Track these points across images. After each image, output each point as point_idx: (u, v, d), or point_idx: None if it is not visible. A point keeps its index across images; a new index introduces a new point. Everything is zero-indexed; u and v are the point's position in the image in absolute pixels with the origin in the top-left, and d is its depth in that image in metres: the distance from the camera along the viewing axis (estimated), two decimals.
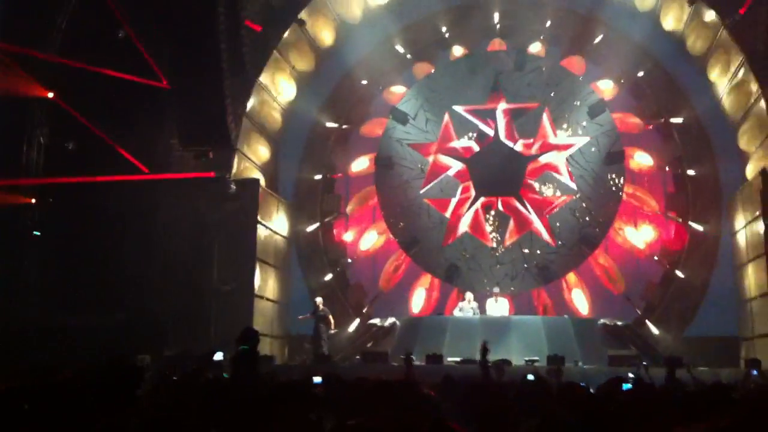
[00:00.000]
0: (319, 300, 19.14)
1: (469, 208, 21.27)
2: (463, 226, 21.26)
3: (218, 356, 14.05)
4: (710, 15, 19.21)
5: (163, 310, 18.40)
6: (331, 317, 18.83)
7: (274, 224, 20.75)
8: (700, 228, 21.14)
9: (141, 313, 18.36)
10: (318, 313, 18.67)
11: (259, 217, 19.48)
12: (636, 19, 21.50)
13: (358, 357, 18.12)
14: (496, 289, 19.66)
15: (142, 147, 19.41)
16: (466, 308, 18.99)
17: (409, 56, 23.30)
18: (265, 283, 19.97)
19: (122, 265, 18.89)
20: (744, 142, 19.76)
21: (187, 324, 18.40)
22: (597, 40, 22.47)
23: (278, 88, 21.20)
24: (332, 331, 19.01)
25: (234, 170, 19.49)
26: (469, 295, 19.35)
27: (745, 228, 19.33)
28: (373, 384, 6.88)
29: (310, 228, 22.55)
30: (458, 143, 21.62)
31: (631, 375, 11.65)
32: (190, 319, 18.48)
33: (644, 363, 14.16)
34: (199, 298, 18.70)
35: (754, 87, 18.58)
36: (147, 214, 19.18)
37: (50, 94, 19.24)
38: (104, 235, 18.89)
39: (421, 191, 21.51)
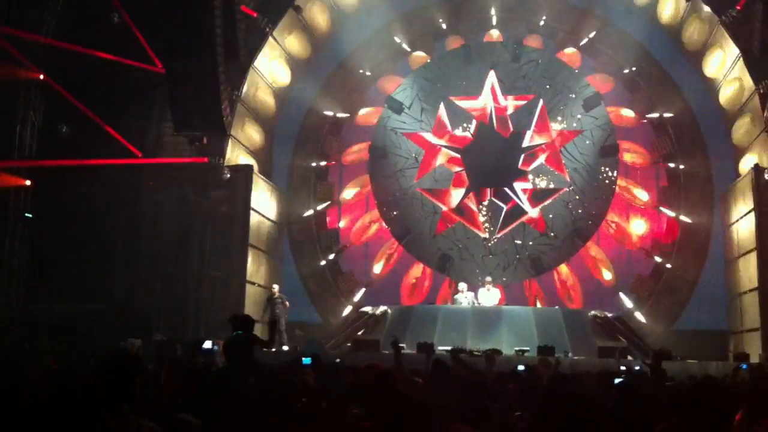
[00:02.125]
0: (276, 287, 19.08)
1: (463, 198, 21.29)
2: (456, 216, 21.29)
3: (207, 344, 14.12)
4: (706, 10, 19.24)
5: (153, 294, 18.40)
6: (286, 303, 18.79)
7: (267, 211, 20.75)
8: (691, 222, 21.23)
9: (130, 297, 18.36)
10: (274, 300, 18.56)
11: (251, 204, 19.47)
12: (632, 14, 21.51)
13: (348, 344, 18.14)
14: (489, 278, 19.71)
15: (135, 131, 19.41)
16: (460, 298, 19.07)
17: (405, 46, 23.26)
18: (257, 269, 19.98)
19: (112, 249, 18.90)
20: (738, 138, 19.84)
21: (177, 309, 18.43)
22: (593, 33, 22.49)
23: (273, 75, 21.15)
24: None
25: (227, 156, 19.46)
26: (462, 286, 19.42)
27: (736, 223, 19.42)
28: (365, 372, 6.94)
29: (303, 215, 22.56)
30: (453, 133, 21.61)
31: (632, 367, 11.65)
32: (180, 304, 18.50)
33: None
34: (190, 284, 18.72)
35: (749, 83, 18.63)
36: (138, 199, 19.18)
37: (41, 76, 19.15)
38: (95, 218, 18.85)
39: (415, 181, 21.52)
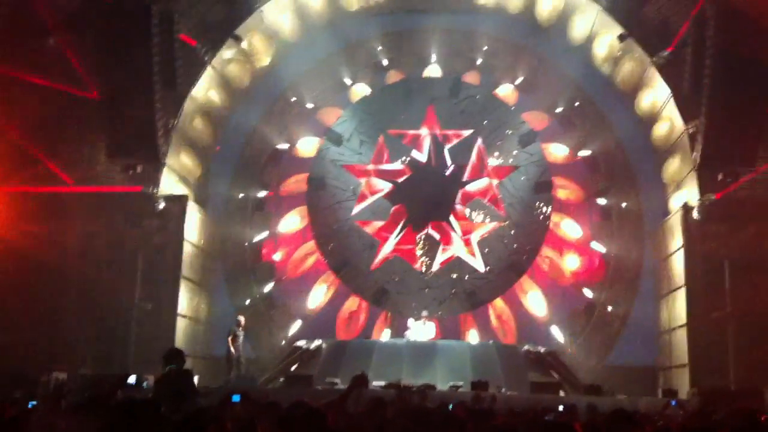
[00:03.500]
0: (241, 319, 18.73)
1: (400, 231, 21.32)
2: (393, 249, 21.28)
3: (131, 379, 13.76)
4: (639, 51, 19.76)
5: (81, 326, 17.85)
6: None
7: (201, 241, 20.40)
8: (623, 258, 21.59)
9: (58, 328, 17.79)
10: (238, 333, 18.24)
11: (185, 234, 19.13)
12: (568, 52, 21.95)
13: (282, 380, 17.86)
14: (425, 313, 19.72)
15: (68, 158, 18.94)
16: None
17: (345, 78, 23.31)
18: (190, 301, 19.58)
19: (40, 278, 18.30)
20: (668, 176, 20.33)
21: (105, 342, 17.92)
22: (530, 71, 22.89)
23: (212, 104, 20.93)
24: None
25: (162, 185, 19.12)
26: (411, 322, 19.41)
27: (666, 259, 19.82)
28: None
29: (239, 247, 22.24)
30: (391, 167, 21.70)
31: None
32: (109, 337, 18.00)
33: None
34: (120, 316, 18.23)
35: (679, 123, 19.14)
36: (69, 228, 18.63)
37: None
38: (23, 247, 18.28)
39: (353, 213, 21.49)
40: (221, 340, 19.53)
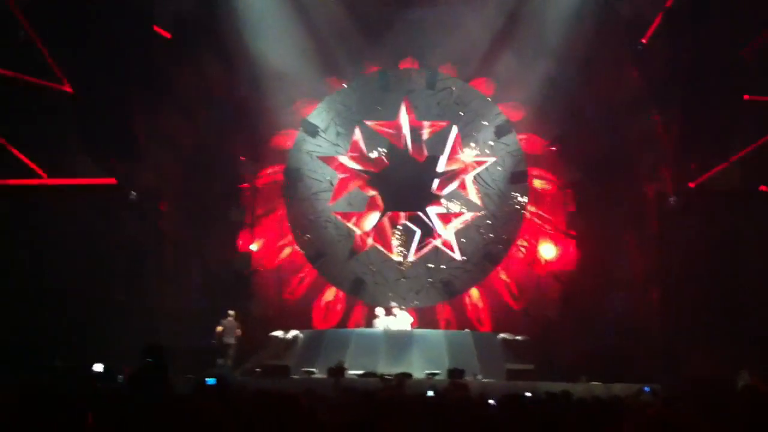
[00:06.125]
0: (231, 313, 18.67)
1: (377, 222, 21.40)
2: (370, 239, 21.38)
3: (98, 367, 13.71)
4: (613, 43, 19.91)
5: (57, 320, 17.72)
6: (238, 330, 18.45)
7: (178, 234, 20.34)
8: (597, 246, 21.74)
9: (31, 322, 17.65)
10: (228, 326, 18.26)
11: (161, 227, 19.07)
12: (543, 44, 22.03)
13: (258, 370, 17.89)
14: (394, 304, 19.86)
15: (41, 151, 18.78)
16: (378, 324, 19.15)
17: (321, 70, 23.23)
18: (168, 294, 19.53)
19: (16, 272, 18.19)
20: (643, 166, 20.53)
21: (81, 336, 17.82)
22: (505, 63, 22.91)
23: (188, 97, 20.85)
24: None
25: (138, 179, 19.04)
26: (379, 311, 19.54)
27: (641, 248, 20.04)
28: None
29: (216, 238, 22.16)
30: (368, 158, 21.75)
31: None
32: (84, 331, 17.90)
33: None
34: (96, 310, 18.14)
35: (654, 113, 19.33)
36: (44, 221, 18.49)
37: None
38: None
39: (330, 204, 21.52)
40: (200, 332, 19.56)
